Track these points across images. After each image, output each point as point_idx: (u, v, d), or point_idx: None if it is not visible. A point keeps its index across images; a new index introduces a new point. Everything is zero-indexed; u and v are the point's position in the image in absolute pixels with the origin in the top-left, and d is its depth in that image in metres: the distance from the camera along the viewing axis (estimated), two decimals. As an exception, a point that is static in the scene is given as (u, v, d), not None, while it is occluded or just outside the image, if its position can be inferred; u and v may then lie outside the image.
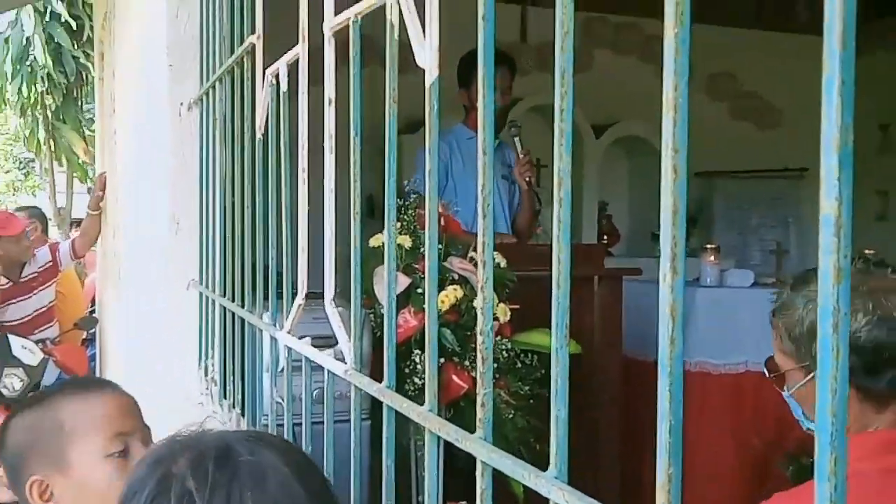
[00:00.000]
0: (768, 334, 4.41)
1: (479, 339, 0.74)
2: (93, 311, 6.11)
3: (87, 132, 9.70)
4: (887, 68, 6.31)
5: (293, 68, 1.32)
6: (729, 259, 5.81)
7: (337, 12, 1.11)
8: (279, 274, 1.61)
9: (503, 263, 2.86)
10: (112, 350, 4.90)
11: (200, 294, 2.20)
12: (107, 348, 5.36)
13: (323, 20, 1.14)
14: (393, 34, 0.93)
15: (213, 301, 2.03)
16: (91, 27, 7.90)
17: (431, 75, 0.81)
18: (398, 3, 0.91)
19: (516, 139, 3.86)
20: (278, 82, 1.41)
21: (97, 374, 5.85)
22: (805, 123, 6.71)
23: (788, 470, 4.08)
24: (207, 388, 2.15)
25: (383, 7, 0.94)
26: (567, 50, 0.58)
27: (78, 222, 7.54)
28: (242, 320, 1.73)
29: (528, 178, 3.93)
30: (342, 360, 1.09)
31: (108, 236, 4.76)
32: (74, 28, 8.93)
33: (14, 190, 15.83)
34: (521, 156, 3.86)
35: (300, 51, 1.25)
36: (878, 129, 6.67)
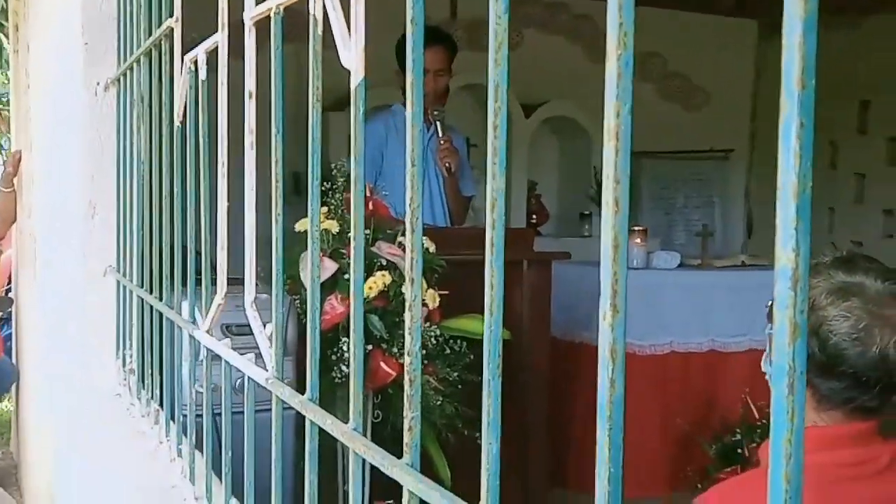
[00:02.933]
0: (693, 315, 4.46)
1: (407, 359, 0.70)
2: (9, 290, 5.92)
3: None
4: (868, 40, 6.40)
5: (213, 56, 1.26)
6: (655, 239, 5.88)
7: (259, 1, 1.06)
8: (198, 264, 1.55)
9: (432, 248, 2.83)
10: (29, 332, 4.75)
11: (118, 282, 2.12)
12: (24, 329, 5.20)
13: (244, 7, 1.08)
14: (316, 30, 0.88)
15: (131, 291, 1.96)
16: (6, -3, 7.62)
17: (357, 77, 0.77)
18: (322, -4, 0.86)
19: (438, 124, 3.81)
20: (197, 69, 1.35)
21: (13, 356, 5.68)
22: (730, 105, 6.83)
23: (712, 449, 4.15)
24: (125, 379, 2.08)
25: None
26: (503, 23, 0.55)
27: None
28: (161, 313, 1.67)
29: (447, 165, 3.88)
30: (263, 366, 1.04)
31: (24, 215, 4.60)
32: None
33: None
34: (441, 142, 3.81)
35: (219, 39, 1.19)
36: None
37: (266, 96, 1.02)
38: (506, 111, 0.57)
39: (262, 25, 1.06)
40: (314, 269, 0.94)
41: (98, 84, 2.25)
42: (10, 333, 5.84)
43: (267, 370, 1.01)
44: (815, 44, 0.36)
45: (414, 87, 0.64)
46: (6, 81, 8.32)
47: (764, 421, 4.08)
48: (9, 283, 6.09)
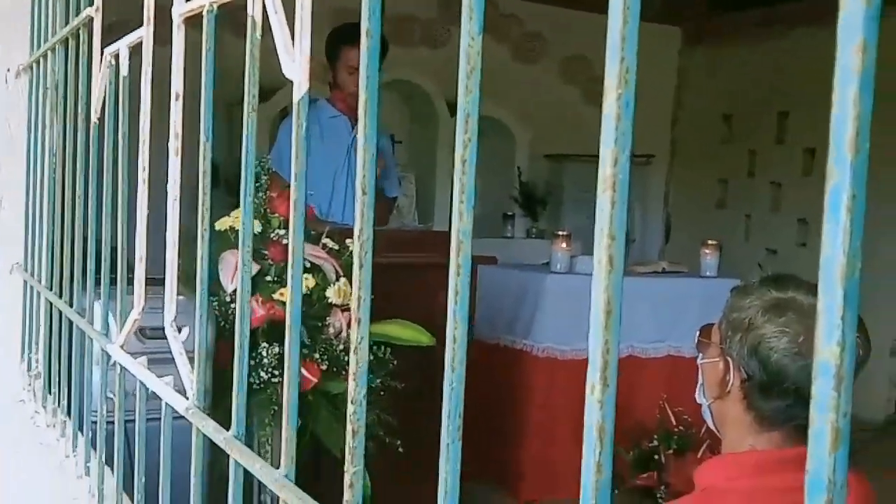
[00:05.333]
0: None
1: (351, 408, 0.64)
2: None
3: None
4: (731, 63, 6.50)
5: (136, 51, 1.17)
6: (577, 242, 5.89)
7: (189, -5, 0.98)
8: (114, 261, 1.45)
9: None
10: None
11: (25, 282, 2.00)
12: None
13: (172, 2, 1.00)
14: (255, 32, 0.81)
15: (39, 292, 1.85)
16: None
17: (300, 90, 0.70)
18: (262, -3, 0.79)
19: None
20: (118, 64, 1.25)
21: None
22: (652, 111, 6.89)
23: (629, 455, 4.16)
24: (30, 384, 1.97)
25: (244, -1, 0.82)
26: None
27: None
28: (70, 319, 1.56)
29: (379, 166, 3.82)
30: (182, 392, 0.96)
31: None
32: None
33: None
34: None
35: (144, 34, 1.10)
36: (721, 120, 6.87)
37: (194, 95, 0.94)
38: (476, 143, 0.51)
39: (193, 22, 0.98)
40: (245, 281, 0.86)
41: (8, 70, 2.12)
42: None
43: (187, 397, 0.93)
44: (871, 101, 0.31)
45: (367, 108, 0.57)
46: None
47: (680, 427, 4.11)
48: None
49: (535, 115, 6.37)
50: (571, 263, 4.38)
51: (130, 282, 1.29)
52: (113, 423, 1.59)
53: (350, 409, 0.63)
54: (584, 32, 6.54)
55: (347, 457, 0.62)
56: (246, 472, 0.82)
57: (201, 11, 0.92)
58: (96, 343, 1.40)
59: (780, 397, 1.37)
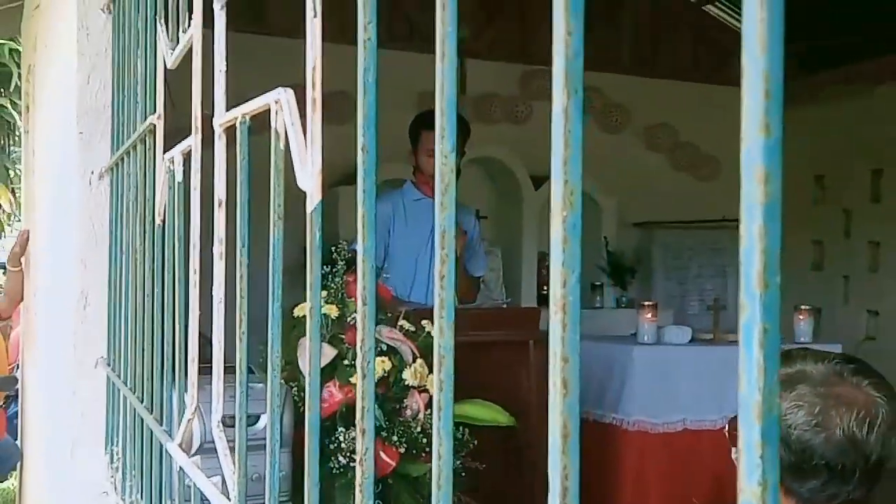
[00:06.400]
0: (706, 391, 4.37)
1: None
2: (18, 366, 5.88)
3: (15, 181, 9.45)
4: (817, 123, 6.38)
5: (188, 158, 1.22)
6: (667, 311, 5.80)
7: (231, 106, 1.02)
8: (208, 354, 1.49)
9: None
10: (32, 413, 4.69)
11: (108, 377, 2.07)
12: (28, 409, 5.14)
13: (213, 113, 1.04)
14: (278, 144, 0.83)
15: (118, 387, 1.91)
16: (19, 75, 7.71)
17: (313, 201, 0.72)
18: (281, 109, 0.82)
19: None
20: (174, 170, 1.31)
21: (18, 434, 5.61)
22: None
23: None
24: (112, 477, 2.01)
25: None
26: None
27: (2, 267, 7.29)
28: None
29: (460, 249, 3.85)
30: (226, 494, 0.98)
31: (31, 294, 4.57)
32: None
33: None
34: None
35: (192, 142, 1.15)
36: (814, 181, 6.74)
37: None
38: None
39: (232, 132, 1.01)
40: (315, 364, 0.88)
41: (92, 173, 2.22)
42: (17, 411, 5.79)
43: (230, 498, 0.94)
44: (779, 235, 0.31)
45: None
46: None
47: None
48: (17, 360, 6.05)
49: (620, 184, 6.35)
50: (659, 334, 4.32)
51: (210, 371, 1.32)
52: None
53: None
54: (666, 100, 6.54)
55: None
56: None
57: (235, 123, 0.95)
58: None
59: (813, 476, 1.32)
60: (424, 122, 3.75)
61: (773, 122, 0.31)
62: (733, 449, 1.51)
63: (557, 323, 0.41)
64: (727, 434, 1.54)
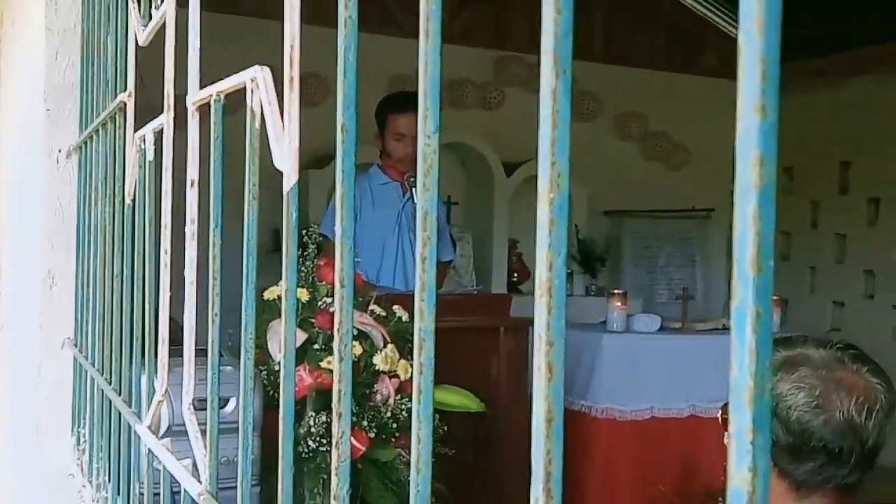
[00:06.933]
0: (675, 379, 4.39)
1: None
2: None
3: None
4: (787, 113, 6.41)
5: (159, 136, 1.20)
6: (636, 299, 5.83)
7: (204, 85, 1.00)
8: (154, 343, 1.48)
9: (405, 317, 2.76)
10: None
11: (75, 358, 2.04)
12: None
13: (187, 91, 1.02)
14: (254, 122, 0.82)
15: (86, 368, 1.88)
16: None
17: (290, 180, 0.71)
18: (257, 87, 0.80)
19: (413, 190, 3.73)
20: (146, 148, 1.29)
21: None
22: (711, 164, 6.83)
23: (694, 518, 4.06)
24: (78, 459, 1.99)
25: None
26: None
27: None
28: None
29: None
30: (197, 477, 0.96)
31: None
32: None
33: None
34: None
35: (164, 121, 1.13)
36: (783, 172, 6.79)
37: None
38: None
39: (206, 111, 1.00)
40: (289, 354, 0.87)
41: (59, 151, 2.19)
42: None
43: (200, 481, 0.93)
44: (773, 218, 0.30)
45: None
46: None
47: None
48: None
49: (591, 172, 6.36)
50: (628, 322, 4.33)
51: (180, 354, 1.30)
52: (158, 493, 1.60)
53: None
54: (638, 89, 6.55)
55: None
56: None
57: (209, 100, 0.94)
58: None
59: (809, 458, 1.33)
60: (391, 105, 3.72)
61: (769, 104, 0.31)
62: (725, 434, 1.52)
63: (543, 307, 0.40)
64: (720, 419, 1.54)
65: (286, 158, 0.72)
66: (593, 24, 6.42)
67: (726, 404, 1.55)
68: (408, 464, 2.77)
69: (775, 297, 4.44)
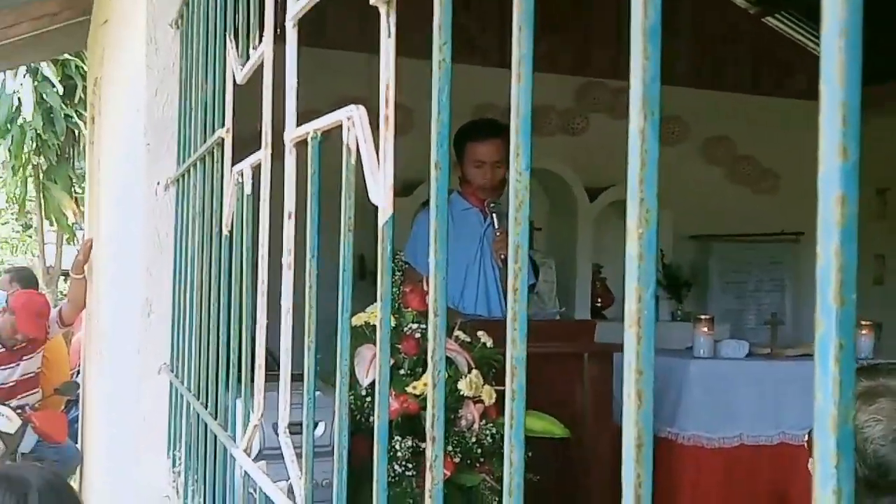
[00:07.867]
0: (764, 406, 4.31)
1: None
2: (78, 372, 6.01)
3: (78, 190, 9.66)
4: (881, 135, 6.28)
5: (257, 171, 1.25)
6: (724, 325, 5.73)
7: (301, 123, 1.04)
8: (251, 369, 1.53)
9: (489, 343, 2.78)
10: (93, 417, 4.79)
11: (170, 382, 2.11)
12: (89, 414, 5.25)
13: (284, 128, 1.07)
14: (350, 159, 0.86)
15: (182, 393, 1.95)
16: (84, 87, 7.89)
17: (385, 214, 0.74)
18: (353, 125, 0.84)
19: (494, 216, 3.75)
20: (243, 182, 1.34)
21: (79, 438, 5.73)
22: (800, 187, 6.69)
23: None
24: (174, 481, 2.06)
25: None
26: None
27: (66, 274, 7.48)
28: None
29: (502, 256, 3.84)
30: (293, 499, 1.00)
31: (93, 301, 4.68)
32: (64, 90, 8.94)
33: (13, 248, 15.66)
34: (497, 233, 3.73)
35: (262, 156, 1.18)
36: (876, 195, 6.64)
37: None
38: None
39: (303, 148, 1.04)
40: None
41: (158, 183, 2.28)
42: (77, 416, 5.92)
43: (295, 503, 0.97)
44: (854, 254, 0.32)
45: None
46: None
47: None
48: (78, 365, 6.19)
49: (677, 197, 6.30)
50: (715, 348, 4.28)
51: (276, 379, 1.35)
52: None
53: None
54: (725, 113, 6.48)
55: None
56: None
57: (306, 137, 0.98)
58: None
59: (890, 492, 1.30)
60: (470, 133, 3.76)
61: (850, 146, 0.32)
62: (811, 459, 1.49)
63: (632, 336, 0.42)
64: (805, 445, 1.52)
65: (381, 194, 0.75)
66: (679, 47, 6.39)
67: (811, 431, 1.54)
68: (491, 489, 2.79)
69: (867, 323, 4.35)
